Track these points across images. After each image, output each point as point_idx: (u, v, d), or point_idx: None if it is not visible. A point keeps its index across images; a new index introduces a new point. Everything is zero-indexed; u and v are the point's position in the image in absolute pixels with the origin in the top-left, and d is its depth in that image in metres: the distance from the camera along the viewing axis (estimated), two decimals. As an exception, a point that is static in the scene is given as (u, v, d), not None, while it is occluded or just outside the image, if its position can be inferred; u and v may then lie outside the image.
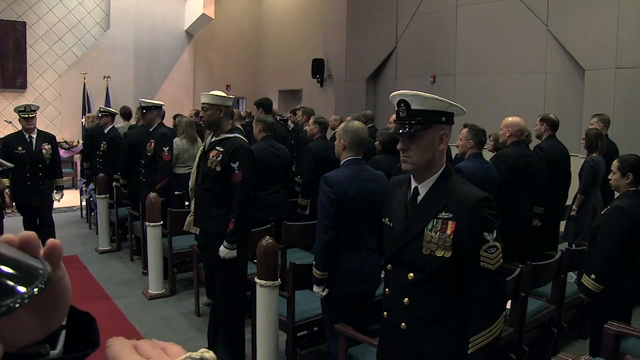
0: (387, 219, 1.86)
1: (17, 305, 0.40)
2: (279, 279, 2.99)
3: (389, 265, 1.82)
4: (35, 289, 0.42)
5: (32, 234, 0.49)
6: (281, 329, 3.07)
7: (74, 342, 0.52)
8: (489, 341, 1.64)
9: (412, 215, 1.76)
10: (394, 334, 1.81)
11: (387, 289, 1.86)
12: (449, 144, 2.00)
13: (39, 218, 5.14)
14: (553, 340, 3.38)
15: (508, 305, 2.92)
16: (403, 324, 1.76)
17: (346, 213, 2.64)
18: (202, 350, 0.45)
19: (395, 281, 1.80)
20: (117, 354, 0.46)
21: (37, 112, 5.12)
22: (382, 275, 2.98)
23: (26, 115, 4.87)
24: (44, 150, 4.98)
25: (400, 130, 1.71)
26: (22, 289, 0.42)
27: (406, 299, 1.74)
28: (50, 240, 0.50)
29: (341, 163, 2.78)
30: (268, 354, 2.99)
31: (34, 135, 4.99)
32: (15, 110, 4.93)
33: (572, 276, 3.74)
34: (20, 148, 4.86)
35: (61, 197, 5.38)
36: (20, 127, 5.12)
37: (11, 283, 0.42)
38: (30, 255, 0.47)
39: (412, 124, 1.70)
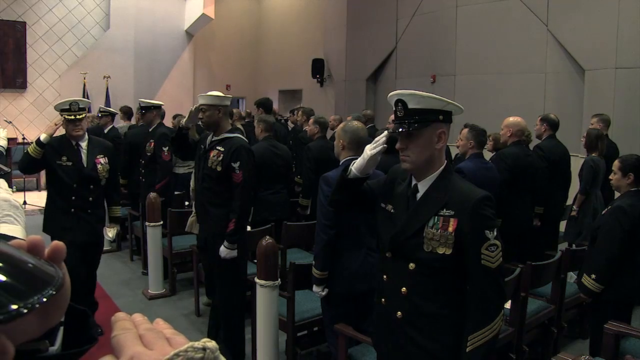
0: (389, 206, 1.86)
1: (26, 311, 0.41)
2: (279, 279, 2.99)
3: (389, 253, 1.82)
4: (44, 297, 0.43)
5: (38, 237, 0.50)
6: (281, 329, 3.07)
7: (71, 338, 0.53)
8: (487, 340, 1.64)
9: (411, 212, 1.76)
10: (389, 322, 1.82)
11: (384, 276, 1.86)
12: (449, 144, 2.01)
13: (84, 264, 3.45)
14: (553, 340, 3.37)
15: (508, 305, 2.92)
16: (399, 312, 1.77)
17: (346, 213, 2.64)
18: (204, 340, 0.46)
19: (395, 269, 1.81)
20: (121, 343, 0.47)
21: (86, 110, 3.55)
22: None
23: (72, 117, 3.37)
24: (99, 166, 3.47)
25: (400, 130, 1.72)
26: (32, 294, 0.42)
27: (404, 288, 1.75)
28: (54, 242, 0.50)
29: (340, 163, 2.78)
30: (268, 354, 2.99)
31: (84, 144, 3.47)
32: (56, 108, 3.46)
33: (572, 276, 3.74)
34: (64, 158, 3.39)
35: (115, 234, 3.82)
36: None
37: (23, 288, 0.42)
38: (38, 258, 0.48)
39: (409, 123, 1.71)
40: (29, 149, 3.41)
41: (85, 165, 3.43)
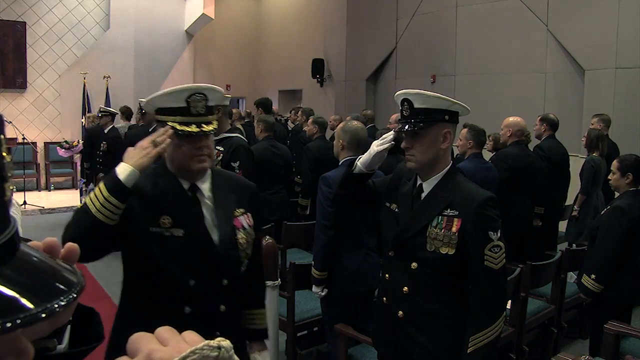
0: (394, 205, 1.87)
1: (44, 315, 0.41)
2: (279, 279, 3.00)
3: (391, 252, 1.83)
4: (65, 301, 0.43)
5: (54, 239, 0.50)
6: (281, 329, 3.07)
7: (79, 336, 0.53)
8: (489, 341, 1.64)
9: (415, 211, 1.77)
10: (391, 321, 1.82)
11: (386, 275, 1.86)
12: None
13: None
14: (553, 340, 3.38)
15: (508, 305, 2.92)
16: (400, 312, 1.77)
17: (345, 213, 2.64)
18: (219, 339, 0.46)
19: (396, 268, 1.81)
20: (136, 343, 0.47)
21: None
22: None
23: (193, 129, 1.55)
24: (240, 234, 1.66)
25: (406, 128, 1.73)
26: (54, 298, 0.43)
27: (406, 287, 1.76)
28: (69, 244, 0.51)
29: (340, 163, 2.78)
30: (268, 353, 2.98)
31: (206, 185, 1.65)
32: (151, 106, 1.69)
33: (572, 276, 3.74)
34: (167, 220, 1.56)
35: None
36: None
37: (44, 292, 0.43)
38: (57, 260, 0.49)
39: (415, 122, 1.72)
40: (89, 202, 1.48)
41: (216, 237, 1.60)
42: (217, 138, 3.19)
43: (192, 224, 1.57)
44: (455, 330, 1.71)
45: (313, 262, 2.75)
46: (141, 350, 0.46)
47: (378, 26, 9.02)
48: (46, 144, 9.89)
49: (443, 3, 7.83)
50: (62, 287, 0.44)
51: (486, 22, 7.17)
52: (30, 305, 0.40)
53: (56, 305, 0.42)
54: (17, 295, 0.40)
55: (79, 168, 8.69)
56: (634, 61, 5.50)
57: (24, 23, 9.60)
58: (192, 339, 0.48)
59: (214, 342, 0.45)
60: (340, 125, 2.86)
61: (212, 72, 12.16)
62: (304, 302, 3.17)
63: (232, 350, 0.46)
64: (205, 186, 1.63)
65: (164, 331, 0.48)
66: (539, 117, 4.76)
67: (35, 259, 0.46)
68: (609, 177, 3.11)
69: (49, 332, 0.47)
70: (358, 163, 1.89)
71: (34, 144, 9.44)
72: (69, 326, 0.52)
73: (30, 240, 0.50)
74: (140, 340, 0.47)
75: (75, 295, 0.44)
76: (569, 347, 3.64)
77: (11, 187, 0.46)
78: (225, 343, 0.46)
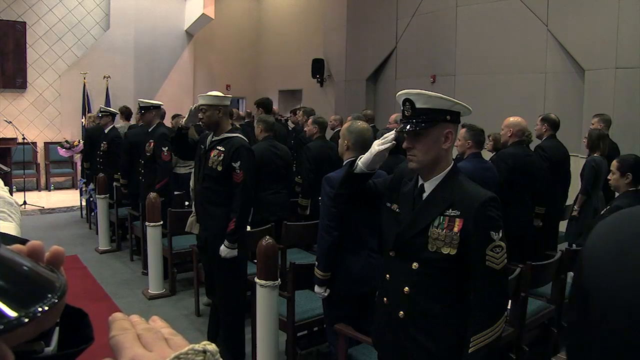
0: (395, 206, 1.86)
1: (27, 320, 0.40)
2: (279, 279, 3.00)
3: (392, 252, 1.82)
4: (46, 306, 0.42)
5: (38, 242, 0.49)
6: (281, 329, 3.07)
7: (67, 338, 0.52)
8: (490, 341, 1.64)
9: (417, 211, 1.77)
10: (391, 321, 1.82)
11: (387, 275, 1.86)
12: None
13: None
14: (553, 340, 3.37)
15: (508, 305, 2.92)
16: (401, 312, 1.77)
17: (347, 214, 2.64)
18: (205, 342, 0.46)
19: (397, 268, 1.81)
20: (120, 345, 0.47)
21: None
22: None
23: None
24: None
25: (408, 128, 1.73)
26: (34, 303, 0.42)
27: (407, 287, 1.75)
28: (54, 247, 0.50)
29: (344, 163, 2.78)
30: (268, 354, 2.99)
31: None
32: None
33: (572, 276, 3.74)
34: None
35: None
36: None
37: (24, 296, 0.42)
38: (39, 264, 0.48)
39: (416, 122, 1.71)
40: None
41: None
42: (217, 138, 3.19)
43: None
44: (456, 331, 1.71)
45: (317, 263, 2.74)
46: (125, 354, 0.45)
47: (378, 26, 9.02)
48: (46, 144, 9.89)
49: (443, 3, 7.83)
50: (43, 291, 0.43)
51: (486, 22, 7.17)
52: (10, 312, 0.39)
53: (38, 311, 0.41)
54: None
55: (79, 168, 8.69)
56: (634, 61, 5.50)
57: (24, 23, 9.60)
58: (176, 343, 0.47)
59: (198, 346, 0.45)
60: (346, 125, 2.85)
61: (212, 72, 12.16)
62: (304, 302, 3.16)
63: (218, 354, 0.45)
64: None
65: (148, 334, 0.48)
66: (540, 117, 4.75)
67: (16, 263, 0.45)
68: (609, 177, 3.11)
69: (35, 335, 0.46)
70: (359, 163, 1.89)
71: (34, 144, 9.44)
72: (57, 328, 0.51)
73: (29, 241, 0.50)
74: (124, 343, 0.46)
75: (56, 301, 0.43)
76: (569, 347, 3.64)
77: None
78: (211, 347, 0.45)
